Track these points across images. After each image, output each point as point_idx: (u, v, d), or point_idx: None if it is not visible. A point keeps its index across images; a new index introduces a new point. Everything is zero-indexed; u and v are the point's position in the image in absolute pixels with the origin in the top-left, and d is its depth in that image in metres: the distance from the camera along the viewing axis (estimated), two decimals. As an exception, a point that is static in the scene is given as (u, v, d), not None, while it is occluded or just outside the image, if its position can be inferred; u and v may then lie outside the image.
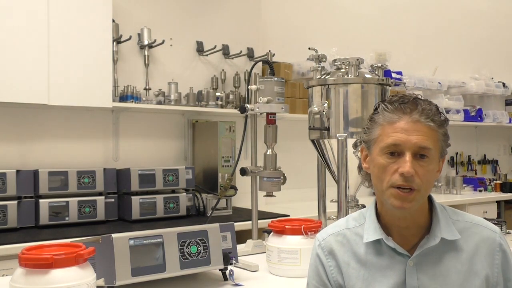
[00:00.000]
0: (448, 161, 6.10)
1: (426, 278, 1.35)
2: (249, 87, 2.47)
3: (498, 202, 5.42)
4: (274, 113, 2.44)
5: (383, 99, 1.43)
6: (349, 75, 2.35)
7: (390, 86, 2.43)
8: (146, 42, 3.85)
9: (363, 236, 1.42)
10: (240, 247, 2.28)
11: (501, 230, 1.56)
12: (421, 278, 1.35)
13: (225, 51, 4.28)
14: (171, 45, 4.04)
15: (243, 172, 2.44)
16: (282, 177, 2.41)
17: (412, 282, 1.35)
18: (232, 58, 4.33)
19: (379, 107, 1.40)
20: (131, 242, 1.72)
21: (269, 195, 2.42)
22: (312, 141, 2.47)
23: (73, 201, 3.23)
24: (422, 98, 1.40)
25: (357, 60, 2.36)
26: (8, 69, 3.04)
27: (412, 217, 1.38)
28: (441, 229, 1.37)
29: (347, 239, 1.45)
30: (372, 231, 1.41)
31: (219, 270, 1.94)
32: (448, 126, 1.39)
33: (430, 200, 1.43)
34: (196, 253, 1.84)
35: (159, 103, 3.81)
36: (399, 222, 1.39)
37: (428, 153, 1.33)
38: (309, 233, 2.03)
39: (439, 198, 4.88)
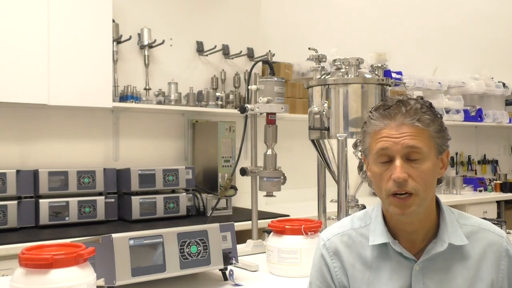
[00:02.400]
0: (448, 161, 6.09)
1: (432, 283, 1.33)
2: (249, 87, 2.47)
3: (498, 202, 5.42)
4: (274, 113, 2.44)
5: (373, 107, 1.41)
6: (349, 75, 2.35)
7: (390, 86, 2.43)
8: (146, 42, 3.85)
9: (368, 237, 1.40)
10: (240, 247, 2.28)
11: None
12: (427, 283, 1.33)
13: (225, 51, 4.28)
14: (171, 45, 4.04)
15: (243, 172, 2.44)
16: (282, 177, 2.41)
17: (418, 287, 1.33)
18: (232, 58, 4.33)
19: (366, 117, 1.39)
20: (131, 242, 1.72)
21: (269, 195, 2.42)
22: (312, 141, 2.47)
23: (73, 201, 3.23)
24: (409, 97, 1.37)
25: (357, 60, 2.35)
26: (8, 69, 3.04)
27: (419, 221, 1.35)
28: (449, 234, 1.35)
29: (353, 240, 1.43)
30: (378, 234, 1.38)
31: (219, 270, 1.94)
32: (441, 120, 1.35)
33: (437, 202, 1.40)
34: (196, 253, 1.84)
35: (159, 103, 3.81)
36: (405, 226, 1.36)
37: (420, 152, 1.29)
38: (309, 233, 2.03)
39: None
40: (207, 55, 4.21)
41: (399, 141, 1.29)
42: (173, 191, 3.59)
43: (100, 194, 3.37)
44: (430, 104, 1.36)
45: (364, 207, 2.25)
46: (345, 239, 1.43)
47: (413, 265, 1.35)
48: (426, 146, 1.30)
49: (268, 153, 2.43)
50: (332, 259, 1.43)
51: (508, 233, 2.71)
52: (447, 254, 1.34)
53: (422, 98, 1.39)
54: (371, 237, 1.39)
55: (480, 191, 5.60)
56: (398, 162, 1.29)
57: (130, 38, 3.76)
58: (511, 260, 1.37)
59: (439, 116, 1.35)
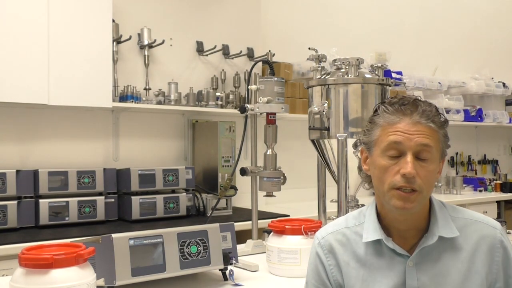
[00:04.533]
0: (448, 161, 6.10)
1: (426, 278, 1.34)
2: (249, 87, 2.47)
3: (498, 202, 5.42)
4: (274, 113, 2.44)
5: (383, 101, 1.42)
6: (349, 75, 2.35)
7: (390, 86, 2.43)
8: (146, 42, 3.85)
9: (362, 235, 1.42)
10: (240, 247, 2.28)
11: (501, 228, 1.55)
12: (421, 278, 1.34)
13: (225, 51, 4.28)
14: (171, 45, 4.04)
15: (243, 172, 2.43)
16: (282, 177, 2.41)
17: (412, 282, 1.34)
18: (232, 58, 4.33)
19: (379, 109, 1.40)
20: (131, 242, 1.72)
21: (269, 195, 2.42)
22: (312, 141, 2.47)
23: (73, 201, 3.23)
24: (422, 100, 1.39)
25: (357, 60, 2.36)
26: (8, 69, 3.03)
27: (413, 220, 1.37)
28: (439, 227, 1.36)
29: (347, 238, 1.44)
30: (371, 231, 1.40)
31: (219, 270, 1.94)
32: (448, 127, 1.39)
33: (429, 200, 1.42)
34: (196, 253, 1.84)
35: (159, 103, 3.81)
36: (399, 225, 1.38)
37: (430, 151, 1.32)
38: (309, 233, 2.03)
39: (439, 198, 4.85)
40: (207, 55, 4.21)
41: (413, 138, 1.31)
42: (173, 191, 3.59)
43: (100, 194, 3.37)
44: (438, 108, 1.40)
45: (364, 206, 2.25)
46: (339, 237, 1.45)
47: (406, 261, 1.36)
48: (435, 147, 1.34)
49: (268, 153, 2.43)
50: (327, 257, 1.44)
51: (508, 233, 2.72)
52: (439, 248, 1.36)
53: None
54: (365, 235, 1.41)
55: (480, 191, 5.60)
56: (409, 157, 1.30)
57: (130, 38, 3.75)
58: (505, 251, 1.37)
59: (447, 122, 1.39)
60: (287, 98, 4.15)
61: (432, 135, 1.33)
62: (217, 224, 1.94)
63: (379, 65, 2.50)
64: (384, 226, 1.40)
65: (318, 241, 1.48)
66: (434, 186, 1.38)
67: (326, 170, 2.54)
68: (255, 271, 2.13)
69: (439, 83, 5.58)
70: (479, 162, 6.47)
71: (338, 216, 2.33)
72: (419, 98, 1.40)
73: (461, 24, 6.20)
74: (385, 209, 1.39)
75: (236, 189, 3.59)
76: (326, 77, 2.41)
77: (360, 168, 1.50)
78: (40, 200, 3.15)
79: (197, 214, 3.73)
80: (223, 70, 4.27)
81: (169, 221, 3.42)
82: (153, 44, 3.87)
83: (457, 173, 6.10)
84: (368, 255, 1.40)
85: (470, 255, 1.35)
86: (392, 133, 1.33)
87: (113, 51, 3.53)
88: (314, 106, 2.38)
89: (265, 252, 2.15)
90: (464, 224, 1.39)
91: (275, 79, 2.45)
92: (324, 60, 2.49)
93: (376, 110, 1.41)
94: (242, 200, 3.95)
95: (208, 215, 3.39)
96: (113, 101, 3.50)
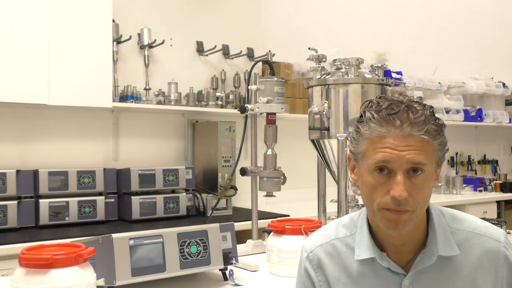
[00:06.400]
0: (448, 161, 6.11)
1: None
2: (249, 87, 2.47)
3: (498, 202, 5.42)
4: (274, 113, 2.44)
5: (370, 102, 1.26)
6: (349, 75, 2.35)
7: (390, 86, 2.43)
8: (146, 42, 3.85)
9: (354, 248, 1.31)
10: (240, 247, 2.28)
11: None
12: None
13: (225, 51, 4.28)
14: (171, 45, 4.04)
15: (243, 172, 2.43)
16: (282, 177, 2.41)
17: None
18: (232, 58, 4.33)
19: (364, 115, 1.23)
20: (131, 242, 1.72)
21: (269, 195, 2.42)
22: (312, 141, 2.47)
23: (73, 201, 3.23)
24: (414, 100, 1.23)
25: (357, 60, 2.36)
26: (8, 69, 3.04)
27: (408, 235, 1.24)
28: (438, 244, 1.24)
29: (337, 251, 1.34)
30: (364, 247, 1.29)
31: (219, 270, 1.94)
32: (446, 129, 1.25)
33: (427, 209, 1.30)
34: (196, 253, 1.84)
35: (159, 103, 3.81)
36: (393, 240, 1.26)
37: (423, 168, 1.18)
38: (309, 233, 2.03)
39: (439, 198, 4.87)
40: (207, 55, 4.21)
41: (404, 156, 1.16)
42: (173, 191, 3.59)
43: (100, 194, 3.37)
44: (432, 109, 1.24)
45: (363, 206, 2.25)
46: (329, 250, 1.35)
47: (402, 280, 1.25)
48: (430, 161, 1.19)
49: (268, 153, 2.43)
50: (316, 272, 1.35)
51: (508, 233, 2.71)
52: (438, 266, 1.25)
53: (421, 98, 1.30)
54: (357, 251, 1.30)
55: (480, 191, 5.60)
56: (400, 178, 1.17)
57: (130, 38, 3.76)
58: (510, 267, 1.26)
59: (443, 126, 1.23)
60: (287, 98, 4.15)
61: (425, 148, 1.18)
62: (217, 224, 1.93)
63: (379, 65, 2.50)
64: (377, 239, 1.30)
65: (306, 255, 1.38)
66: (429, 199, 1.25)
67: (326, 170, 2.54)
68: (255, 271, 2.12)
69: (439, 83, 5.58)
70: (479, 162, 6.47)
71: (338, 216, 2.33)
72: (411, 99, 1.23)
73: (461, 24, 6.20)
74: (376, 223, 1.27)
75: (236, 189, 3.59)
76: (326, 77, 2.41)
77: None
78: (40, 200, 3.15)
79: (197, 214, 3.73)
80: (223, 70, 4.27)
81: (169, 221, 3.42)
82: (153, 44, 3.87)
83: (457, 173, 6.10)
84: (360, 271, 1.29)
85: (472, 273, 1.24)
86: (380, 150, 1.18)
87: (113, 51, 3.53)
88: (314, 106, 2.39)
89: (265, 252, 2.15)
90: (465, 237, 1.27)
91: (275, 79, 2.45)
92: (324, 60, 2.49)
93: (361, 116, 1.25)
94: (242, 200, 3.95)
95: (208, 215, 3.39)
96: (113, 101, 3.51)
